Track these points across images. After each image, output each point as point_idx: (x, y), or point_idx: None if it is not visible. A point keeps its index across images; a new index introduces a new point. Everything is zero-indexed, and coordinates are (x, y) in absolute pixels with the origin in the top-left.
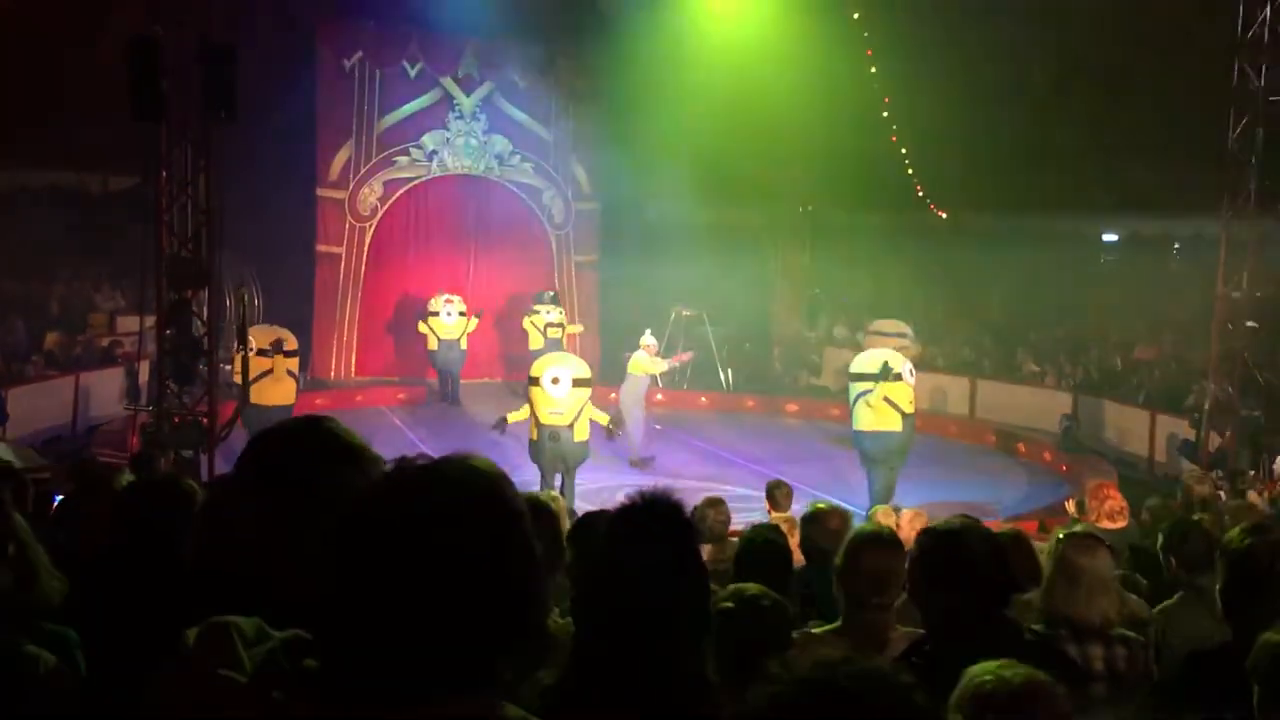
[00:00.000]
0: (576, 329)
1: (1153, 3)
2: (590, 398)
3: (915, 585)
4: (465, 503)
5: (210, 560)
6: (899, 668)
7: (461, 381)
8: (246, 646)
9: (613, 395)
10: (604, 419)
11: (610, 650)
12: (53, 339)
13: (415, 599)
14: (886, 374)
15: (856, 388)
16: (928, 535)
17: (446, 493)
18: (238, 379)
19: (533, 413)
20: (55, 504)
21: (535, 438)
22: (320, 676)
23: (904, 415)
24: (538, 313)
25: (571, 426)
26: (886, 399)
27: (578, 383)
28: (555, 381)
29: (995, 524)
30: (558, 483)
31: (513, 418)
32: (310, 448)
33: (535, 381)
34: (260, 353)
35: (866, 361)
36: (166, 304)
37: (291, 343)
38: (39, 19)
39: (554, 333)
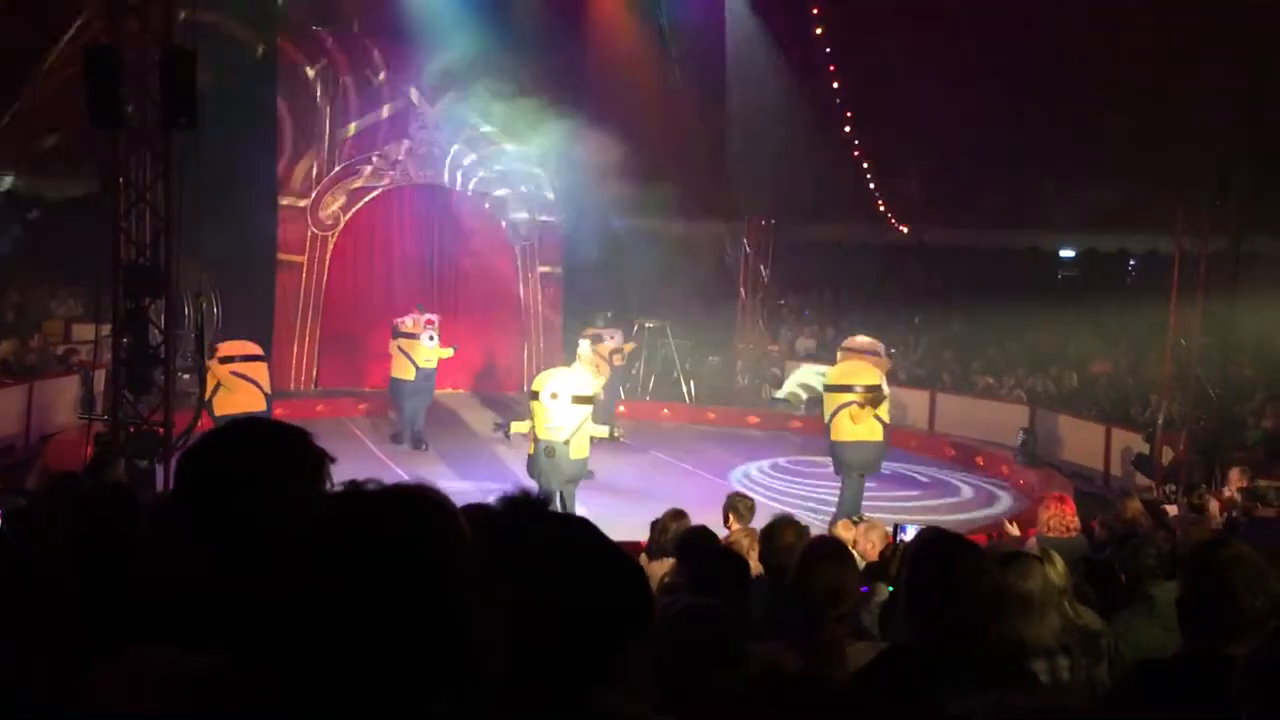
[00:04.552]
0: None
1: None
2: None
3: (906, 591)
4: (412, 533)
5: (149, 576)
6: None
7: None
8: (160, 679)
9: None
10: (603, 433)
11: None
12: (7, 346)
13: (350, 630)
14: (872, 392)
15: (837, 399)
16: (928, 540)
17: (394, 522)
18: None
19: (532, 427)
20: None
21: (532, 452)
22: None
23: (884, 425)
24: (602, 341)
25: (568, 443)
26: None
27: (577, 399)
28: (554, 397)
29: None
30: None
31: (515, 428)
32: (247, 455)
33: (535, 395)
34: (222, 360)
35: (843, 373)
36: (123, 312)
37: (231, 349)
38: None
39: (618, 360)
